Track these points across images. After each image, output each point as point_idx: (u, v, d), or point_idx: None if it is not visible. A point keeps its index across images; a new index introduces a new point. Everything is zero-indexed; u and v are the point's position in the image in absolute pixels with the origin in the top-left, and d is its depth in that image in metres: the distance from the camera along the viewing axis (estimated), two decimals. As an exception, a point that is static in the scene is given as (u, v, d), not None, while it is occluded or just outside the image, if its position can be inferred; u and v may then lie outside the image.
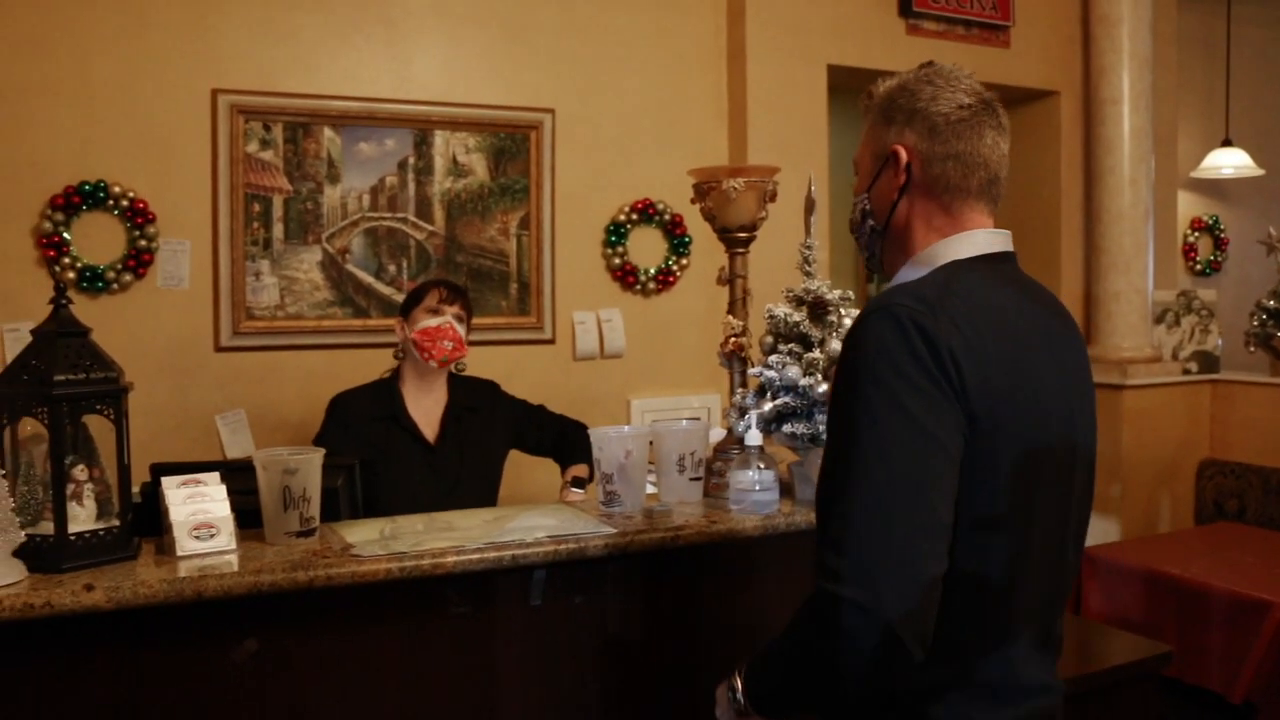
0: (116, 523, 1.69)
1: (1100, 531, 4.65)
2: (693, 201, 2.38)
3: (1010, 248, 1.41)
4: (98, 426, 1.73)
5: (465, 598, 1.83)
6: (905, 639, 1.12)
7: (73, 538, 1.63)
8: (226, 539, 1.73)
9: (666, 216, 4.12)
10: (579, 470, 2.69)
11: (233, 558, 1.70)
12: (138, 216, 3.32)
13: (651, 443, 2.10)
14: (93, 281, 3.27)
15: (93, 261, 3.29)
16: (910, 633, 1.12)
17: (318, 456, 1.80)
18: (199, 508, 1.73)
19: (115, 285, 3.31)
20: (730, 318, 2.24)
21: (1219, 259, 6.14)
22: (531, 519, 1.93)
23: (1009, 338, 1.27)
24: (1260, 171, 5.56)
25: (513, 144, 3.86)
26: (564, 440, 2.81)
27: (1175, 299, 5.05)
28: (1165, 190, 5.22)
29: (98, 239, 3.31)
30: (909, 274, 1.38)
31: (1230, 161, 5.52)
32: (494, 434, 2.73)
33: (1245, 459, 4.71)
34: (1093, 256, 4.87)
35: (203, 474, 1.80)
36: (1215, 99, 5.85)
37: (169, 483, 1.77)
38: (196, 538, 1.71)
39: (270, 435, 3.54)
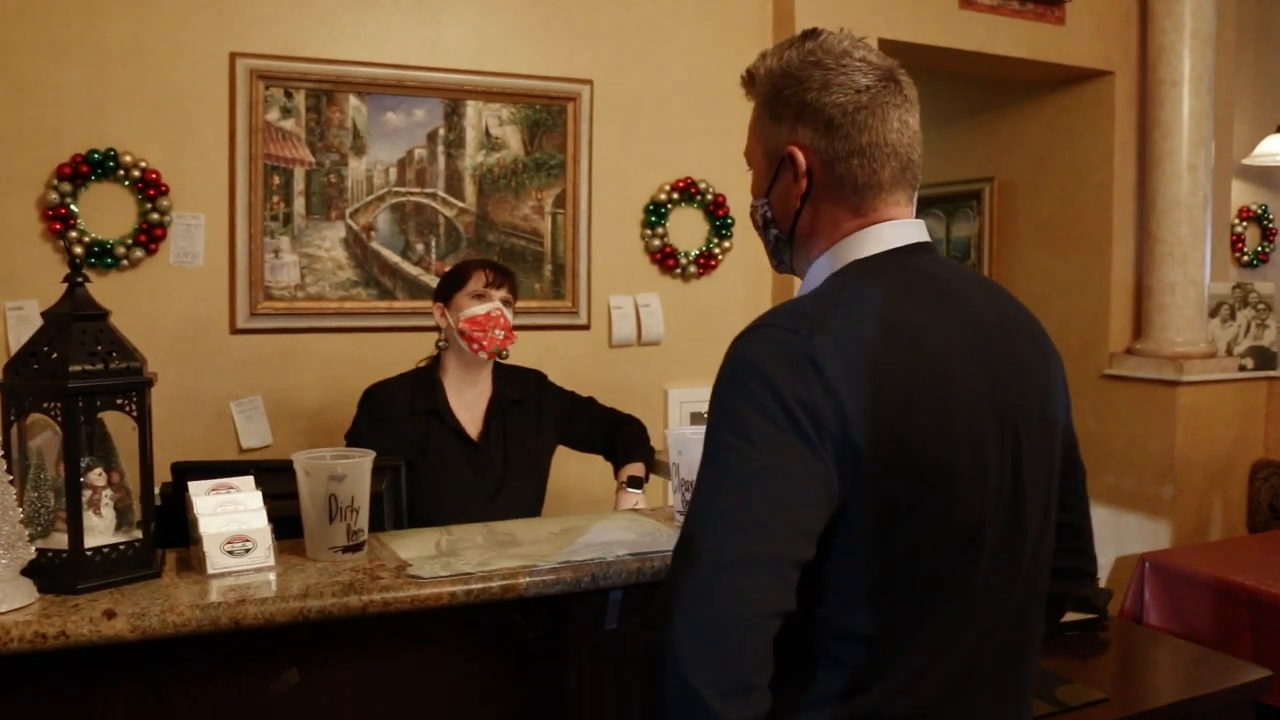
0: (139, 535, 1.47)
1: (1150, 534, 4.45)
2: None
3: (925, 237, 1.20)
4: (115, 423, 1.51)
5: (533, 621, 1.61)
6: (700, 687, 0.92)
7: (89, 553, 1.41)
8: (264, 554, 1.51)
9: (709, 196, 3.89)
10: (635, 469, 2.47)
11: (271, 576, 1.48)
12: (150, 188, 3.08)
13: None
14: (101, 257, 3.04)
15: (101, 236, 3.06)
16: (707, 680, 0.93)
17: (367, 461, 1.58)
18: (232, 518, 1.51)
19: (125, 261, 3.08)
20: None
21: (1267, 250, 5.91)
22: (606, 532, 1.71)
23: (913, 352, 1.06)
24: (1317, 159, 5.32)
25: (549, 116, 3.62)
26: (616, 436, 2.59)
27: (1231, 291, 4.83)
28: (1220, 178, 5.00)
29: (107, 211, 3.07)
30: (814, 278, 1.20)
31: (1285, 148, 5.28)
32: (541, 429, 2.51)
33: (1303, 460, 4.51)
34: (1146, 246, 4.64)
35: (235, 478, 1.58)
36: (1268, 83, 5.61)
37: (197, 489, 1.55)
38: (230, 552, 1.49)
39: (288, 423, 3.33)
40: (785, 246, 1.25)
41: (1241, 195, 5.80)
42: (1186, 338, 4.53)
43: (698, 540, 0.98)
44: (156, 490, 1.84)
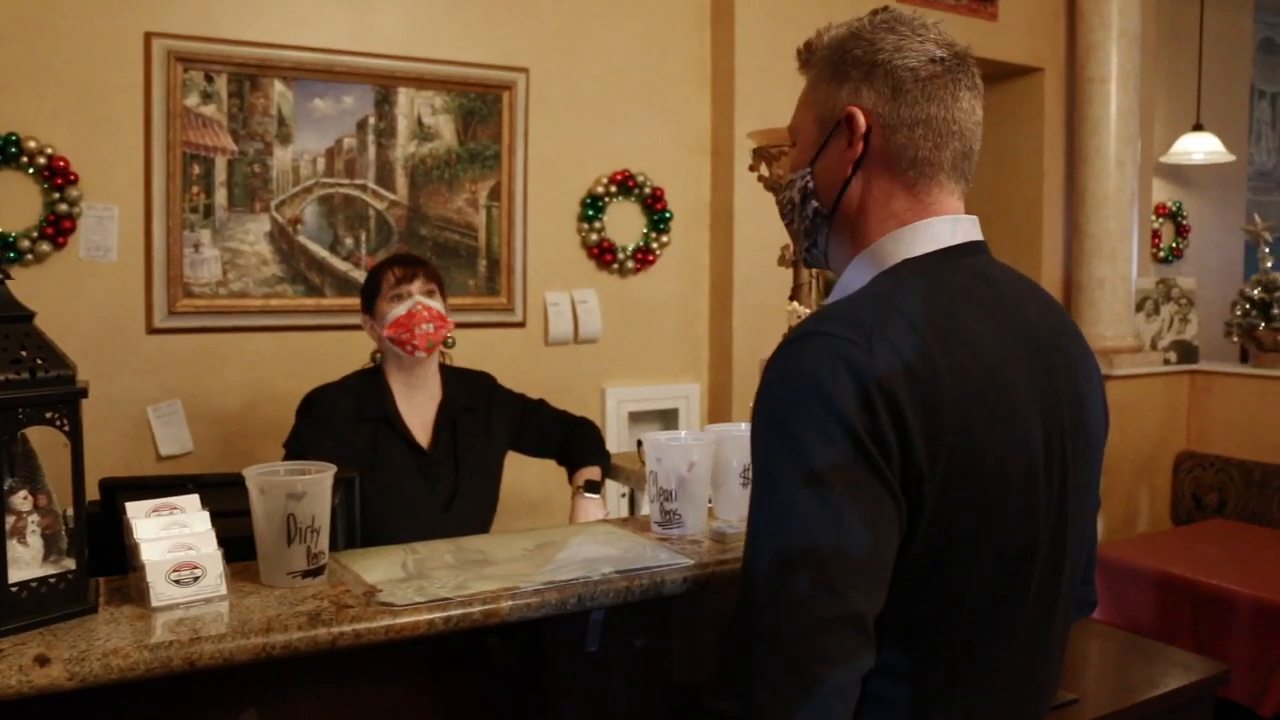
0: (71, 565, 1.31)
1: (1082, 526, 4.49)
2: (751, 168, 2.06)
3: (977, 235, 1.11)
4: (38, 438, 1.34)
5: (510, 646, 1.49)
6: None
7: (14, 589, 1.24)
8: (214, 582, 1.36)
9: (647, 189, 3.78)
10: (591, 473, 2.36)
11: (224, 607, 1.33)
12: (57, 177, 2.86)
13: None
14: (3, 251, 2.81)
15: (3, 228, 2.83)
16: None
17: (328, 476, 1.44)
18: (178, 543, 1.36)
19: (30, 256, 2.86)
20: (796, 305, 1.92)
21: (1181, 246, 6.05)
22: (584, 547, 1.59)
23: (974, 363, 0.96)
24: (1232, 157, 5.46)
25: (483, 105, 3.48)
26: (571, 439, 2.47)
27: (1154, 286, 4.91)
28: (1142, 175, 5.08)
29: (9, 202, 2.84)
30: (854, 276, 1.10)
31: (1201, 146, 5.40)
32: (492, 436, 2.38)
33: (1224, 452, 4.59)
34: (1075, 241, 4.70)
35: (179, 498, 1.42)
36: (1181, 82, 5.73)
37: (137, 510, 1.39)
38: (176, 582, 1.33)
39: (210, 429, 3.13)
40: (823, 224, 1.13)
41: (1156, 193, 5.93)
42: (1115, 332, 4.59)
43: (774, 598, 0.87)
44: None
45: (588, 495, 2.29)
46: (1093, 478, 1.12)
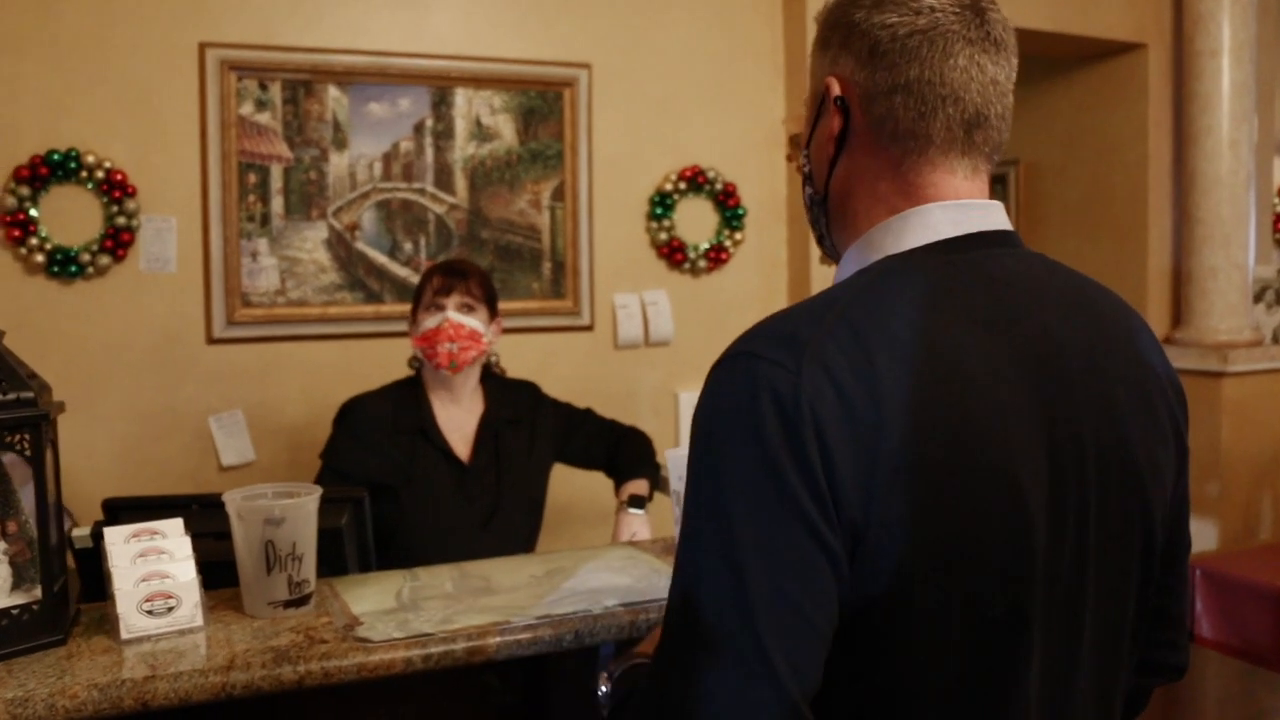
0: (39, 595, 1.25)
1: (1196, 535, 4.14)
2: (789, 158, 1.91)
3: (996, 224, 0.92)
4: (15, 464, 1.29)
5: (510, 683, 1.38)
6: None
7: (-26, 621, 1.18)
8: (189, 612, 1.28)
9: (718, 185, 3.64)
10: (637, 487, 2.24)
11: (199, 639, 1.26)
12: (116, 190, 2.87)
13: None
14: (65, 265, 2.83)
15: (64, 242, 2.85)
16: None
17: (311, 500, 1.35)
18: (153, 570, 1.29)
19: (91, 269, 2.87)
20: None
21: (1307, 231, 5.61)
22: (595, 575, 1.47)
23: (944, 388, 0.79)
24: (1364, 132, 5.02)
25: (544, 104, 3.38)
26: (618, 451, 2.35)
27: (1276, 275, 4.55)
28: (1261, 154, 4.71)
29: (70, 216, 2.86)
30: (843, 273, 0.94)
31: (1330, 122, 4.98)
32: (536, 449, 2.27)
33: (1358, 453, 4.22)
34: (1185, 228, 4.36)
35: (161, 523, 1.35)
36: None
37: (114, 535, 1.32)
38: (149, 612, 1.26)
39: (271, 438, 3.12)
40: (820, 212, 1.00)
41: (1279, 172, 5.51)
42: (1230, 325, 4.25)
43: (682, 671, 0.74)
44: (87, 531, 1.63)
45: (631, 511, 2.18)
46: (1146, 520, 0.91)
